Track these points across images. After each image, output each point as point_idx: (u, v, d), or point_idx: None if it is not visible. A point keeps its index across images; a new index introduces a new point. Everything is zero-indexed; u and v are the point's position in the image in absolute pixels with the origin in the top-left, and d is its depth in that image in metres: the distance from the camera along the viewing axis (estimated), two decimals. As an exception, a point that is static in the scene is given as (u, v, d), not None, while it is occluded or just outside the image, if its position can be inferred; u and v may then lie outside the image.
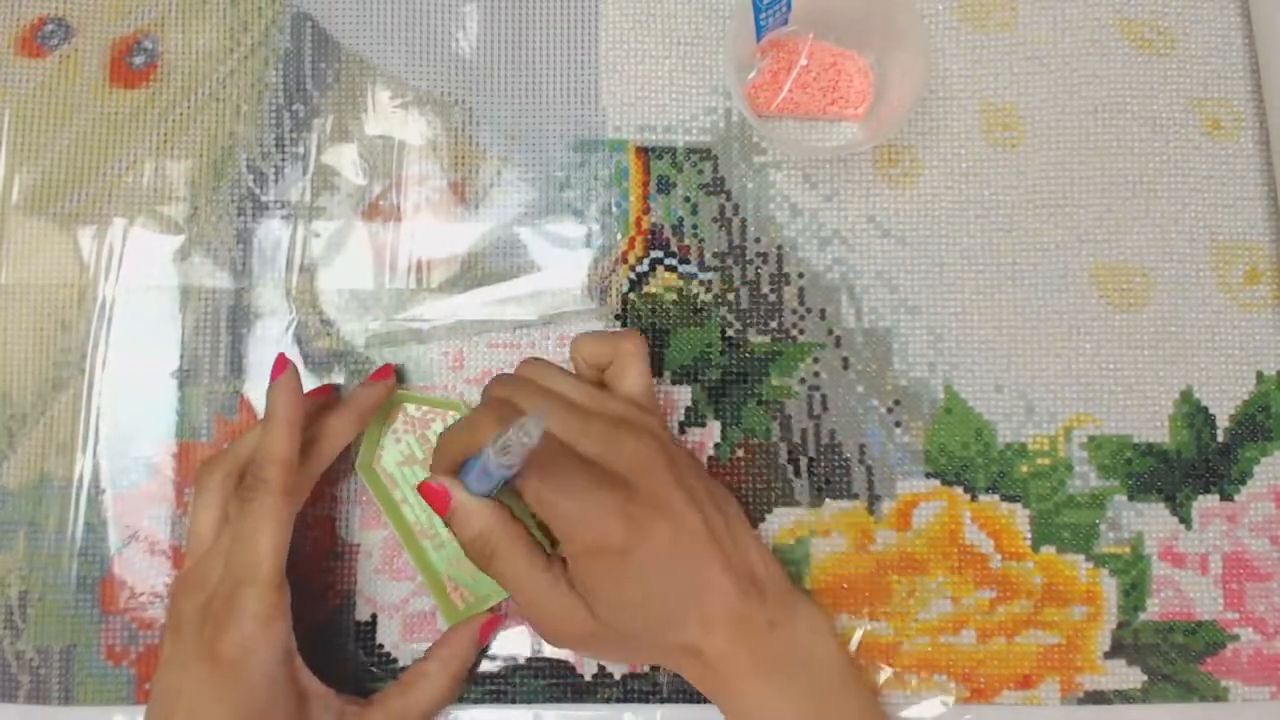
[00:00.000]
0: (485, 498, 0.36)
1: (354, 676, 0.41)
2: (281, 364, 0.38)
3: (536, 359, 0.41)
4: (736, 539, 0.38)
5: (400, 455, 0.42)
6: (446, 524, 0.37)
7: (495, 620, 0.41)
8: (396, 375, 0.42)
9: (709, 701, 0.41)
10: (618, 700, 0.41)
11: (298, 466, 0.37)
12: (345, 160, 0.45)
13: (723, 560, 0.36)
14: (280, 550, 0.36)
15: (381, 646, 0.42)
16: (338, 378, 0.43)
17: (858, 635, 0.41)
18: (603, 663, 0.41)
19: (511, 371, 0.41)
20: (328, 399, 0.42)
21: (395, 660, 0.41)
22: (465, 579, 0.42)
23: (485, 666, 0.41)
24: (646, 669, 0.41)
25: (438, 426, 0.43)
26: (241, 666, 0.34)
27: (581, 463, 0.36)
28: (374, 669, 0.41)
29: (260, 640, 0.35)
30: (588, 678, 0.41)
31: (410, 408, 0.43)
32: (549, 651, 0.41)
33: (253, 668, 0.35)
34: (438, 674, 0.39)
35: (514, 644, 0.42)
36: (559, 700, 0.41)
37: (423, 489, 0.37)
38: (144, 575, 0.42)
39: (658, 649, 0.37)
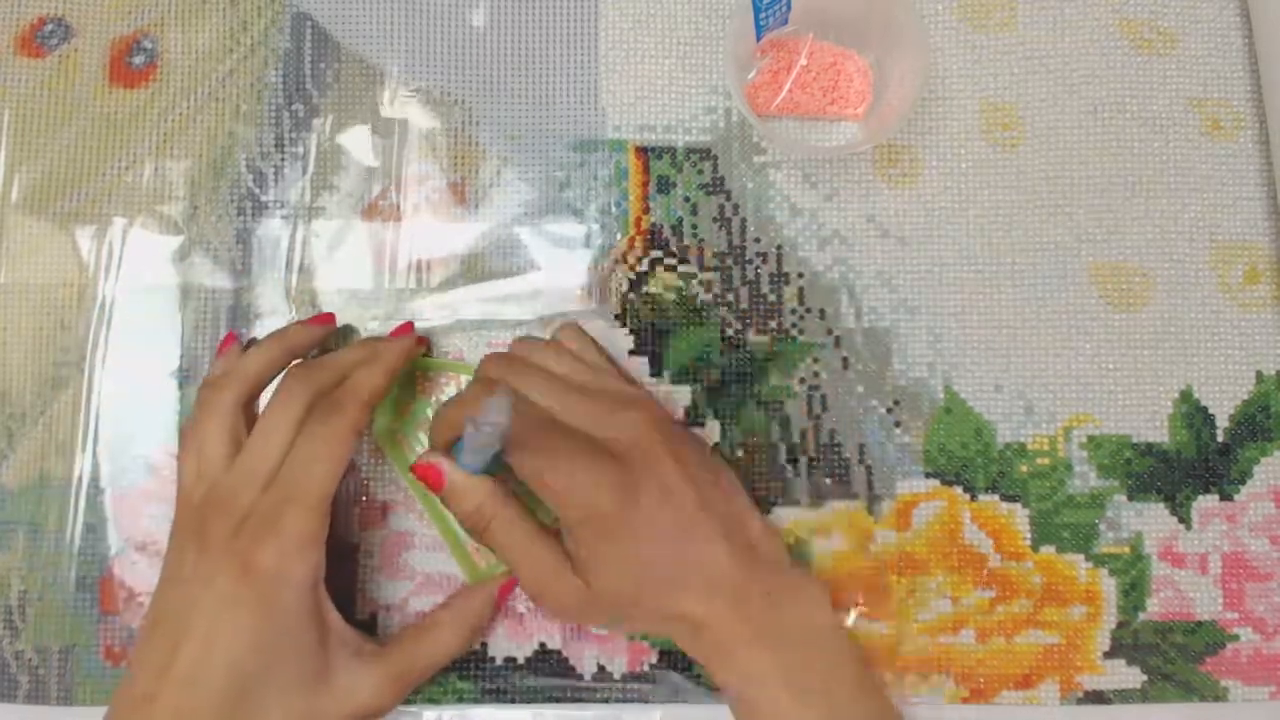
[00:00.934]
0: (479, 473, 0.37)
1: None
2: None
3: (529, 337, 0.42)
4: (732, 508, 0.38)
5: (416, 420, 0.43)
6: (443, 501, 0.37)
7: (514, 583, 0.41)
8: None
9: (708, 701, 0.41)
10: (618, 700, 0.41)
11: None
12: (345, 160, 0.45)
13: (718, 528, 0.37)
14: (335, 481, 0.36)
15: (381, 646, 0.42)
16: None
17: (851, 617, 0.42)
18: (601, 630, 0.41)
19: (504, 350, 0.42)
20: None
21: (395, 660, 0.41)
22: None
23: (485, 666, 0.41)
24: (646, 668, 0.41)
25: (451, 389, 0.43)
26: (273, 583, 0.34)
27: (571, 434, 0.37)
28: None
29: (296, 560, 0.35)
30: (588, 678, 0.41)
31: (423, 371, 0.43)
32: (552, 645, 0.41)
33: (283, 588, 0.34)
34: (451, 624, 0.39)
35: (514, 644, 0.42)
36: (559, 700, 0.41)
37: (416, 469, 0.37)
38: (143, 576, 0.42)
39: (655, 617, 0.37)
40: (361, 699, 0.36)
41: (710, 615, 0.36)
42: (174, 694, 0.33)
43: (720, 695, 0.40)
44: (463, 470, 0.37)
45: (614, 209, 0.45)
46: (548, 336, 0.43)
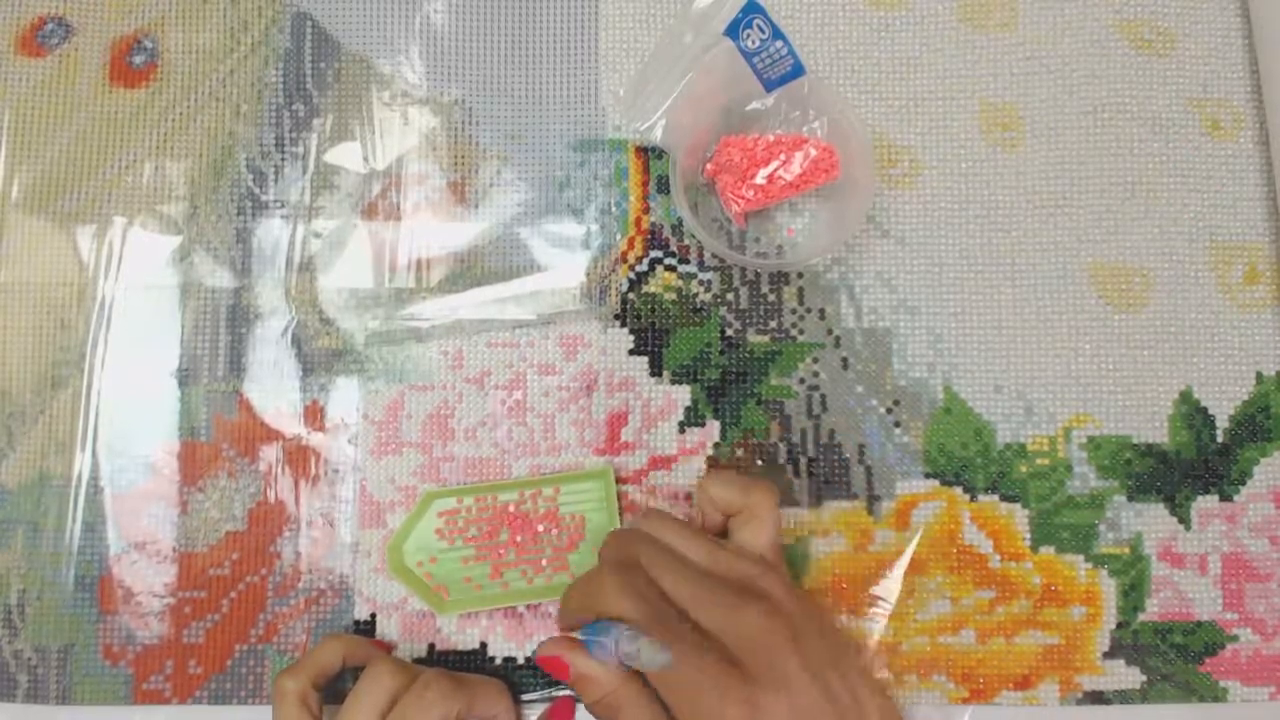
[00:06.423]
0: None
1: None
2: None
3: (656, 511, 0.39)
4: (863, 709, 0.35)
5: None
6: (571, 686, 0.37)
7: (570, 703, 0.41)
8: None
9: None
10: (617, 700, 0.41)
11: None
12: (345, 159, 0.45)
13: None
14: None
15: (380, 646, 0.42)
16: (337, 377, 0.43)
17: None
18: None
19: (627, 524, 0.40)
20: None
21: (394, 660, 0.41)
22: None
23: (485, 666, 0.41)
24: (645, 669, 0.41)
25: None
26: None
27: (697, 637, 0.35)
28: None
29: None
30: (587, 677, 0.41)
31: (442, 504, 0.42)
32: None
33: None
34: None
35: (514, 644, 0.42)
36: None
37: (540, 660, 0.36)
38: (142, 575, 0.42)
39: None
40: None
41: None
42: None
43: None
44: (589, 659, 0.36)
45: (614, 209, 0.45)
46: (550, 336, 0.43)
